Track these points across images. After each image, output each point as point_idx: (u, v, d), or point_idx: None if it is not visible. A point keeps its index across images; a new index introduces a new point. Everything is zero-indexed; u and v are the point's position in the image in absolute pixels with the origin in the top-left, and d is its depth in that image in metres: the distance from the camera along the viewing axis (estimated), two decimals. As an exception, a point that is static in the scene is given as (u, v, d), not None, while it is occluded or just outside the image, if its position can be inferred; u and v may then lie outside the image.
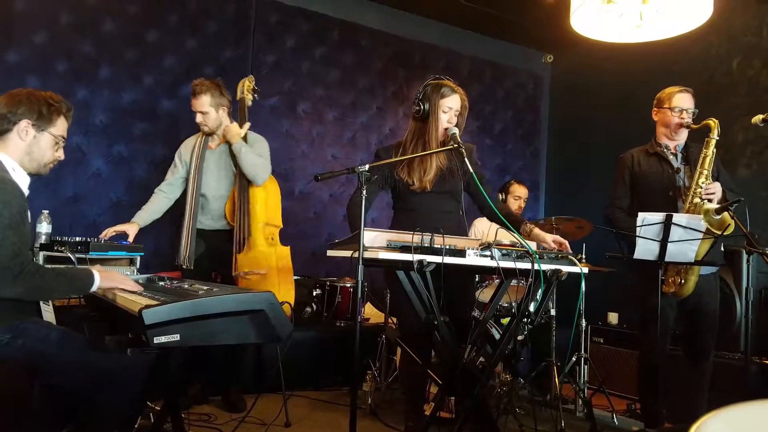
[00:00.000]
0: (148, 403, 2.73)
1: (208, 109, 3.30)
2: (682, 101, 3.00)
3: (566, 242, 2.57)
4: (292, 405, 3.31)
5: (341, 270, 4.57)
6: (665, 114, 3.04)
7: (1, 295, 1.86)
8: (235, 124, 3.36)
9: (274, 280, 3.32)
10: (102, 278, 2.05)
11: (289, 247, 3.47)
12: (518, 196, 4.36)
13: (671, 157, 3.05)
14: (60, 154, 2.17)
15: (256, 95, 3.59)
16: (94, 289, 2.04)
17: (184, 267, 3.30)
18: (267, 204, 3.38)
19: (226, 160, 3.39)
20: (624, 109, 5.15)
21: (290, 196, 4.77)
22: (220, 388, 3.45)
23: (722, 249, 3.01)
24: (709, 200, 2.81)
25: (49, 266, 2.02)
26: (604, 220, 3.17)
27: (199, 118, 3.33)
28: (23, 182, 2.06)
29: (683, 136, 3.05)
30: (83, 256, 2.84)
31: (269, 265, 3.33)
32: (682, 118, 2.98)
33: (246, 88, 3.52)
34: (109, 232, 3.16)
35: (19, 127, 2.03)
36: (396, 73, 5.30)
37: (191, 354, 3.08)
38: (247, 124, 3.42)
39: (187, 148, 3.49)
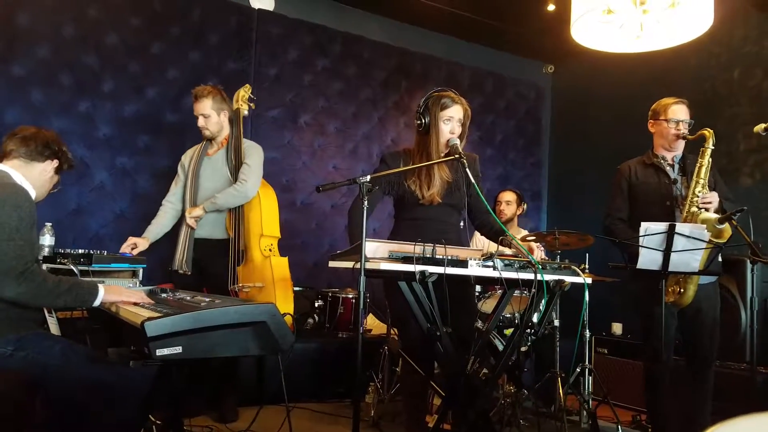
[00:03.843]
0: (149, 416, 2.71)
1: (210, 112, 3.36)
2: (678, 113, 3.01)
3: (536, 249, 2.51)
4: (294, 417, 3.29)
5: (343, 281, 4.57)
6: (661, 125, 3.04)
7: (2, 294, 1.89)
8: (190, 209, 3.35)
9: (271, 292, 3.29)
10: (107, 292, 2.06)
11: (287, 258, 3.43)
12: (499, 200, 4.43)
13: (668, 168, 3.05)
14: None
15: (252, 105, 3.62)
16: (97, 302, 2.05)
17: (180, 271, 3.29)
18: (262, 215, 3.37)
19: (222, 168, 3.41)
20: (625, 118, 5.15)
21: (292, 207, 4.77)
22: (217, 399, 3.42)
23: (719, 259, 2.98)
24: (706, 209, 2.81)
25: (53, 275, 2.02)
26: (604, 230, 3.16)
27: (201, 121, 3.37)
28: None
29: (680, 147, 3.05)
30: (86, 268, 2.83)
31: (265, 278, 3.30)
32: (678, 130, 2.99)
33: (241, 97, 3.55)
34: (125, 247, 3.18)
35: (47, 165, 2.24)
36: (398, 84, 5.31)
37: (192, 365, 3.07)
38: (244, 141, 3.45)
39: (187, 156, 3.54)
